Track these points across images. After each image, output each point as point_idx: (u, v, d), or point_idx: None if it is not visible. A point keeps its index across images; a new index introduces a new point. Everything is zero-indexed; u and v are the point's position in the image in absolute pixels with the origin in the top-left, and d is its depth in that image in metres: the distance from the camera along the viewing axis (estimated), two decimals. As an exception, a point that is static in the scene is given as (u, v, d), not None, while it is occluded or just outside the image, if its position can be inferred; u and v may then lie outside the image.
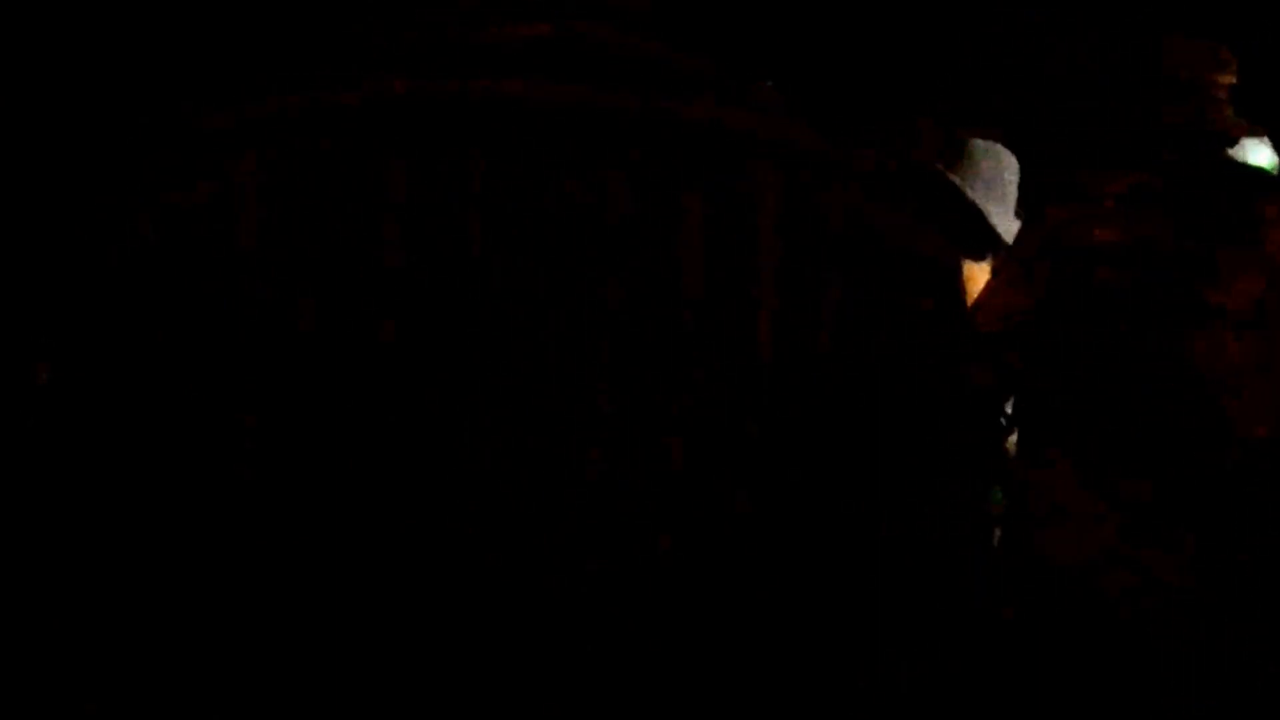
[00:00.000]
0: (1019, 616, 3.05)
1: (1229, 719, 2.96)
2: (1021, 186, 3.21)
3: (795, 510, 1.47)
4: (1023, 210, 3.25)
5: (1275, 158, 3.55)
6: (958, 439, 1.38)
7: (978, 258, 3.27)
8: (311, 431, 1.47)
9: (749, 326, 1.47)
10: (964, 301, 2.37)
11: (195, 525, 1.41)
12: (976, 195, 3.12)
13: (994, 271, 3.11)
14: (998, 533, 3.16)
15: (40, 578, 1.47)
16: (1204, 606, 2.81)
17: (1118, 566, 2.83)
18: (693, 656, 1.48)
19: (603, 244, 1.55)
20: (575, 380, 1.54)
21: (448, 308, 1.57)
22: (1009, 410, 3.16)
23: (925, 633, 1.56)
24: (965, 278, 3.22)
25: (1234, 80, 3.11)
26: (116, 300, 1.53)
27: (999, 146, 3.23)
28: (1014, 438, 3.17)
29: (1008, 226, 3.22)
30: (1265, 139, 3.41)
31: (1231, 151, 3.14)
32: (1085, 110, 3.19)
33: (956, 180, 3.10)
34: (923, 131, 3.12)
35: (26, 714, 1.48)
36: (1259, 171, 3.25)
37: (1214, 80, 3.06)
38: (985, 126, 3.28)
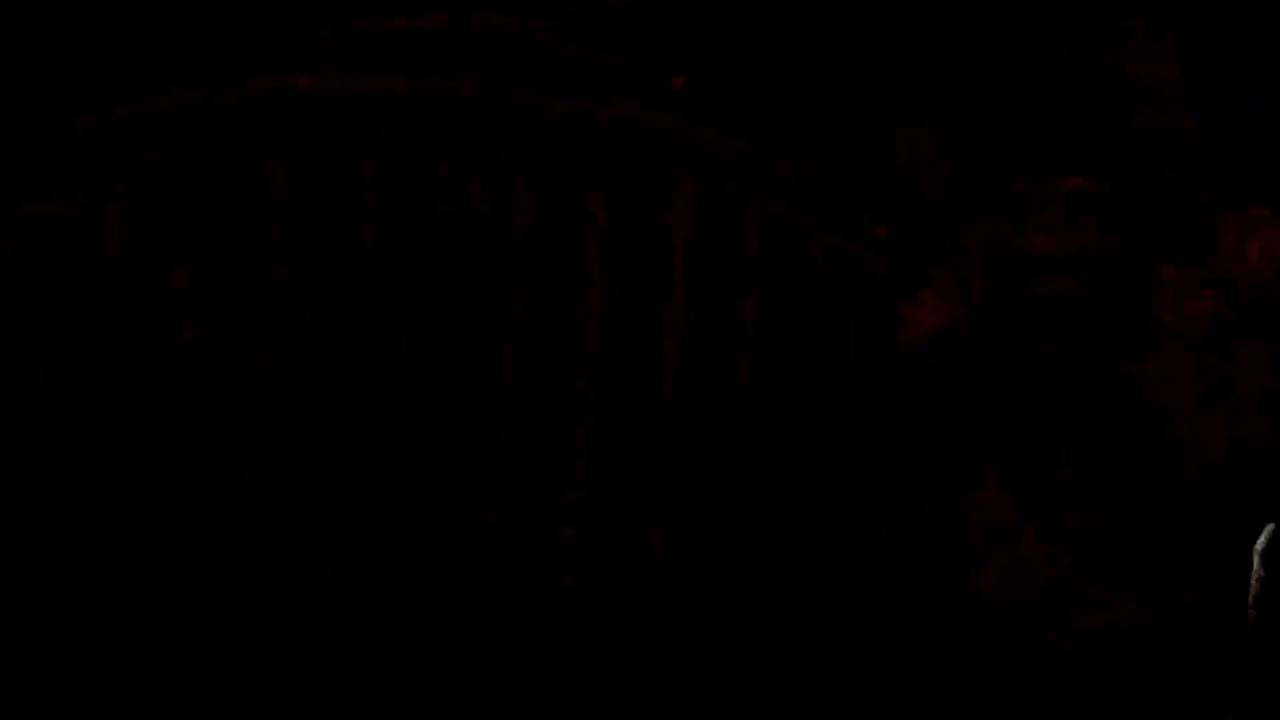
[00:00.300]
0: (954, 655, 2.88)
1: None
2: (952, 193, 3.03)
3: (709, 544, 1.38)
4: (951, 219, 3.07)
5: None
6: (885, 463, 1.29)
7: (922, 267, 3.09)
8: (183, 447, 1.34)
9: (655, 344, 1.34)
10: (895, 316, 2.22)
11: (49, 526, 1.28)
12: None
13: (925, 283, 2.93)
14: (926, 565, 2.99)
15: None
16: (1158, 645, 2.66)
17: (1063, 604, 2.66)
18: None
19: (505, 254, 1.42)
20: (474, 404, 1.42)
21: (334, 320, 1.42)
22: (940, 434, 2.98)
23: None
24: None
25: (1186, 81, 2.93)
26: None
27: None
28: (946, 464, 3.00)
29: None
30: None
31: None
32: (1020, 111, 3.01)
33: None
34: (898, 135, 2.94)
35: (24, 712, 1.39)
36: (1215, 181, 3.07)
37: (1169, 80, 2.88)
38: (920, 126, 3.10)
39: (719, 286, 2.47)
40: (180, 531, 2.75)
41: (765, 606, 2.48)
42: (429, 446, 2.28)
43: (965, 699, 2.72)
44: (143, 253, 2.35)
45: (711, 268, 2.47)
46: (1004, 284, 2.86)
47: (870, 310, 2.55)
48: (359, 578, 2.58)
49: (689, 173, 2.23)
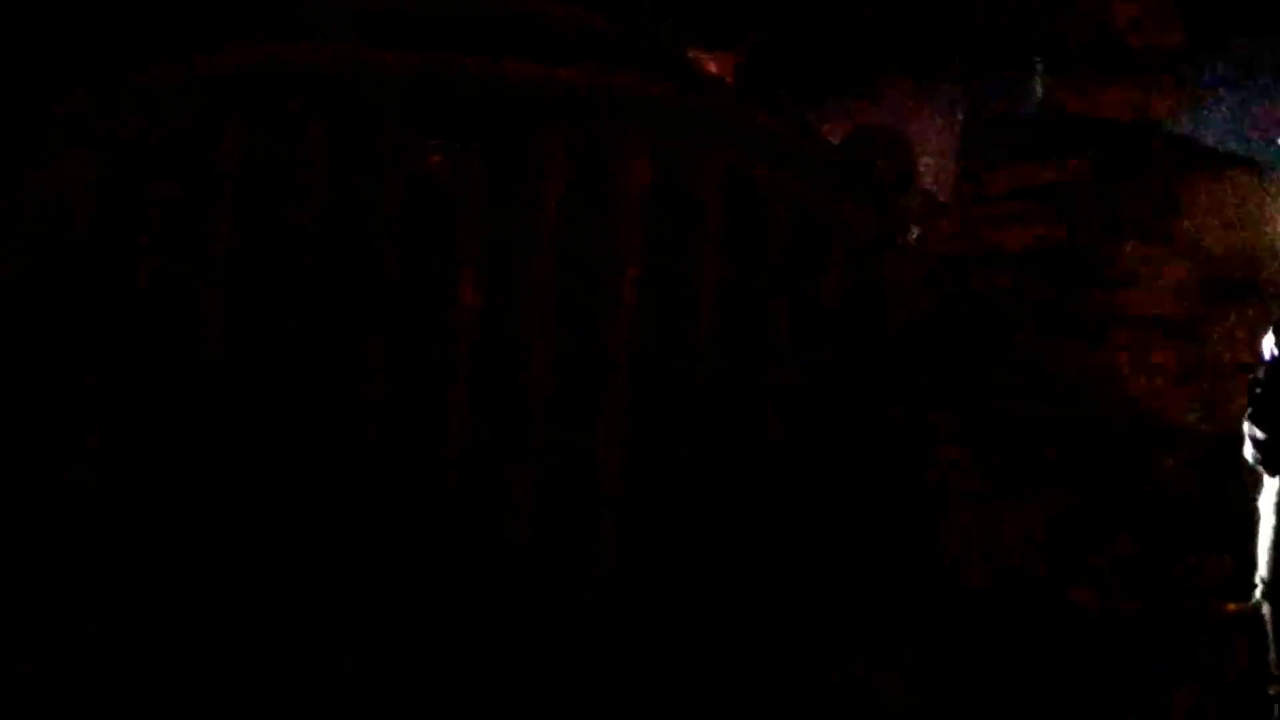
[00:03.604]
0: (920, 603, 2.99)
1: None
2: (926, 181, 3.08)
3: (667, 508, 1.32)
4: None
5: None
6: (863, 430, 1.27)
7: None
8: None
9: (607, 310, 1.27)
10: (883, 280, 2.15)
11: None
12: None
13: (898, 267, 2.98)
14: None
15: None
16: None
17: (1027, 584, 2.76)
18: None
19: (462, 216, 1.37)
20: (431, 376, 1.35)
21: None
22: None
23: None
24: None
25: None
26: None
27: None
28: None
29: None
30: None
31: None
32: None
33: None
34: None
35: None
36: (1178, 148, 2.89)
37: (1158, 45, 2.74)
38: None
39: (678, 245, 2.60)
40: (192, 530, 2.77)
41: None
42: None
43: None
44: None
45: (669, 225, 2.59)
46: (968, 277, 2.91)
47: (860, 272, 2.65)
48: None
49: (638, 125, 2.39)
